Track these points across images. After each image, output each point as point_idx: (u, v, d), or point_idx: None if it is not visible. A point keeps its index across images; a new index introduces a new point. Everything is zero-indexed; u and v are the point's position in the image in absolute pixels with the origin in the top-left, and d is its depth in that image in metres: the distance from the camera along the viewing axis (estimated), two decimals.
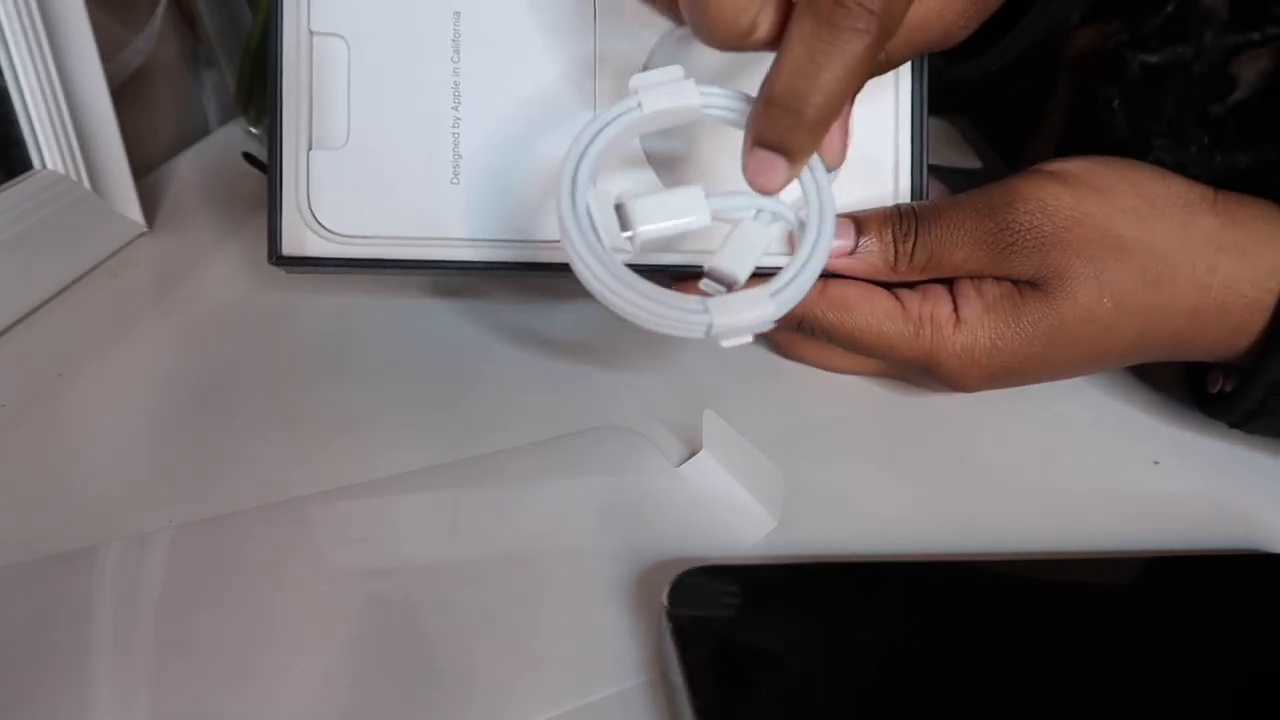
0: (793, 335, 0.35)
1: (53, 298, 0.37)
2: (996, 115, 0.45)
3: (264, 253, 0.31)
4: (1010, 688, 0.24)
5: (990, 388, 0.32)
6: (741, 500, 0.30)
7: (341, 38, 0.31)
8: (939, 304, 0.31)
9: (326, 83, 0.31)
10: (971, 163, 0.51)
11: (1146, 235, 0.30)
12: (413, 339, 0.36)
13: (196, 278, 0.40)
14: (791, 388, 0.36)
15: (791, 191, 0.27)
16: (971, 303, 0.31)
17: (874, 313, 0.31)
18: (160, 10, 0.48)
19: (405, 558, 0.27)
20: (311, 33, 0.31)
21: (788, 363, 0.37)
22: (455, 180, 0.31)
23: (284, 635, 0.24)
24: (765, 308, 0.25)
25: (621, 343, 0.37)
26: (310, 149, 0.31)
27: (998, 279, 0.31)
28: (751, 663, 0.23)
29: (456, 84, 0.32)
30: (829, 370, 0.36)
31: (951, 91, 0.50)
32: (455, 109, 0.32)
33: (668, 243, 0.30)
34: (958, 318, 0.30)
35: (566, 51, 0.32)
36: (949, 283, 0.31)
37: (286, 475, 0.29)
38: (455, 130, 0.32)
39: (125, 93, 0.44)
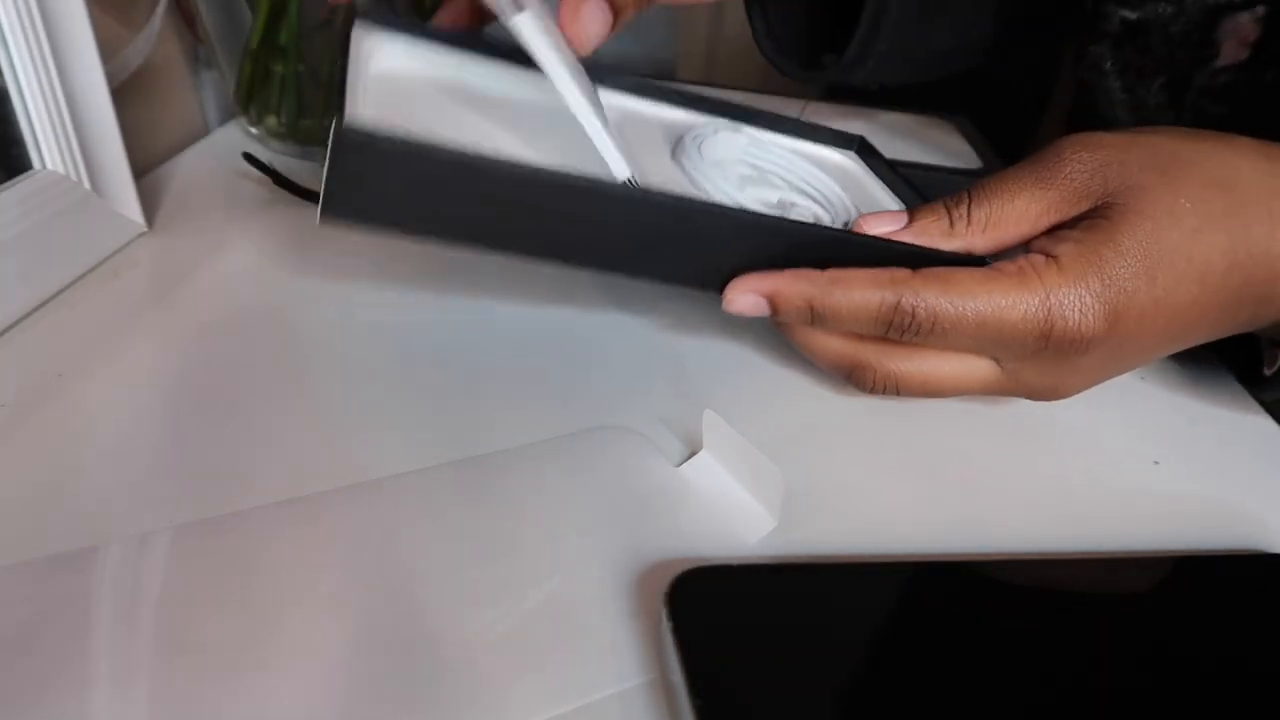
0: (886, 349, 0.32)
1: (53, 298, 0.37)
2: (997, 115, 0.45)
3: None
4: (1011, 688, 0.24)
5: (1117, 339, 0.29)
6: (741, 500, 0.30)
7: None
8: (1030, 256, 0.30)
9: None
10: (971, 163, 0.51)
11: (1199, 146, 0.31)
12: (413, 339, 0.36)
13: (196, 278, 0.40)
14: (791, 388, 0.36)
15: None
16: (1060, 243, 0.30)
17: (974, 277, 0.30)
18: (160, 10, 0.48)
19: (406, 558, 0.27)
20: None
21: (788, 362, 0.37)
22: None
23: (284, 635, 0.24)
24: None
25: (622, 343, 0.37)
26: None
27: (1071, 222, 0.31)
28: (751, 663, 0.23)
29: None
30: (931, 395, 0.33)
31: (952, 90, 0.50)
32: None
33: None
34: (1055, 259, 0.29)
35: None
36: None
37: (287, 475, 0.29)
38: None
39: (125, 93, 0.44)
